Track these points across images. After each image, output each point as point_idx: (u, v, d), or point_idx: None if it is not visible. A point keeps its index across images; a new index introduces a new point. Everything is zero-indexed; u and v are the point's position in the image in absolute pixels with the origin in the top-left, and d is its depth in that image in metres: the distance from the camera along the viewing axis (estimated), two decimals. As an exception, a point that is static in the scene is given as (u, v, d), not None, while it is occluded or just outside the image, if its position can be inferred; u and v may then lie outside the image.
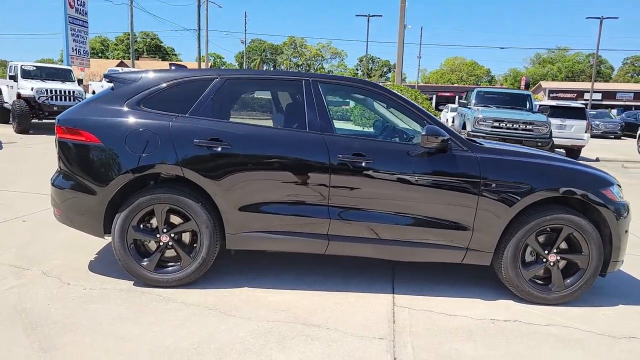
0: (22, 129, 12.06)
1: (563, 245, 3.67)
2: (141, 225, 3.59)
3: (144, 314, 3.13)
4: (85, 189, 3.52)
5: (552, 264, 3.62)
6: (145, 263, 3.54)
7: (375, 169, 3.51)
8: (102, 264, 3.94)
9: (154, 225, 3.61)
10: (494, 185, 3.52)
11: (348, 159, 3.51)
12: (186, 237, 3.66)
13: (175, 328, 2.98)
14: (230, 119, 3.77)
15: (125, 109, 3.58)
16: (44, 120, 12.90)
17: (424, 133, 3.49)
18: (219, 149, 3.47)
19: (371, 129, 4.33)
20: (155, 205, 3.49)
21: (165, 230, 3.54)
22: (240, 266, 4.02)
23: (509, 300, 3.65)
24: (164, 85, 3.66)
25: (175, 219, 3.62)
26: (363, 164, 3.51)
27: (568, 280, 3.65)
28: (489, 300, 3.66)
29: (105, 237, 3.61)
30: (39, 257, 4.01)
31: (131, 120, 3.53)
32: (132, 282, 3.61)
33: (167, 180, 3.66)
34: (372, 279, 3.92)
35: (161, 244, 3.56)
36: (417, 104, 3.84)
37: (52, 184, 3.69)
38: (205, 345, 2.80)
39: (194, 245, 3.59)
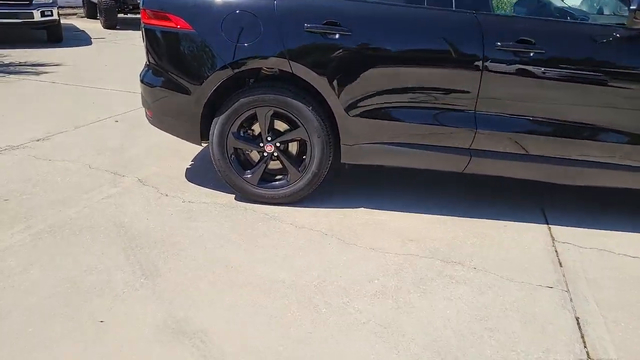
0: (110, 24, 11.86)
1: None
2: (242, 132, 3.05)
3: (251, 238, 2.68)
4: (178, 87, 2.97)
5: None
6: (248, 175, 3.05)
7: (546, 62, 2.60)
8: (198, 173, 3.53)
9: (257, 133, 3.05)
10: None
11: (510, 48, 2.61)
12: (293, 148, 3.08)
13: (288, 257, 2.51)
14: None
15: (216, -13, 2.87)
16: (129, 15, 12.61)
17: (634, 7, 2.47)
18: (337, 36, 2.71)
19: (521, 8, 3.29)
20: (258, 108, 2.90)
21: (269, 139, 2.98)
22: (349, 184, 3.42)
23: None
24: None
25: (281, 126, 3.02)
26: (531, 56, 2.60)
27: None
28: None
29: (202, 144, 3.12)
30: (134, 162, 3.67)
31: (224, 0, 2.83)
32: (233, 195, 3.17)
33: (272, 78, 3.01)
34: (514, 206, 3.18)
35: (265, 154, 3.02)
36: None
37: (142, 81, 3.19)
38: (327, 283, 2.31)
39: (303, 157, 3.01)
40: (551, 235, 2.81)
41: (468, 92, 2.70)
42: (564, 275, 2.41)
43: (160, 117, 3.17)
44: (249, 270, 2.40)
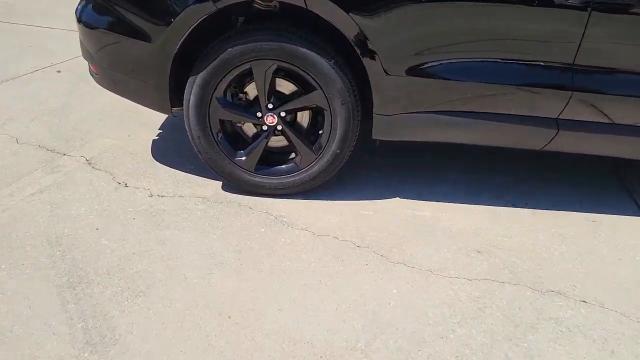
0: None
1: None
2: (231, 97, 2.13)
3: (253, 258, 1.84)
4: (133, 31, 1.99)
5: None
6: (241, 158, 2.16)
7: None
8: (170, 149, 2.61)
9: (252, 97, 2.13)
10: None
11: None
12: (304, 119, 2.19)
13: (311, 295, 1.69)
14: None
15: None
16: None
17: None
18: (376, -51, 1.75)
19: None
20: (255, 62, 1.96)
21: (271, 107, 2.07)
22: (371, 165, 2.57)
23: None
24: None
25: (286, 88, 2.11)
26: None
27: None
28: None
29: (173, 113, 2.19)
30: (80, 132, 2.71)
31: None
32: (220, 183, 2.30)
33: (271, 17, 2.05)
34: (590, 187, 2.41)
35: (265, 128, 2.13)
36: None
37: (79, 20, 2.19)
38: (379, 343, 1.52)
39: (320, 132, 2.12)
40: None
41: (566, 36, 1.82)
42: None
43: (110, 75, 2.19)
44: (256, 322, 1.58)
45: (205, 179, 2.35)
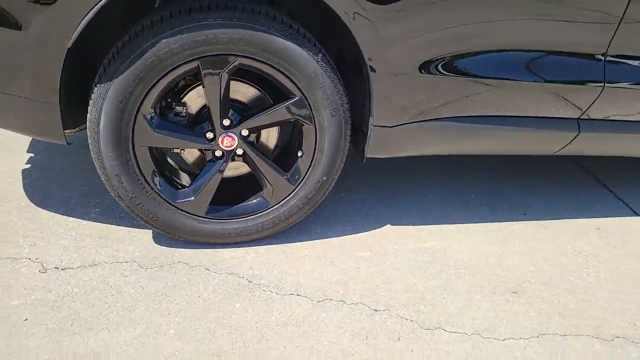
0: None
1: None
2: (162, 113, 1.42)
3: None
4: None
5: None
6: (187, 199, 1.47)
7: None
8: (49, 182, 1.80)
9: (196, 110, 1.45)
10: None
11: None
12: (270, 136, 1.57)
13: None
14: None
15: None
16: None
17: None
18: None
19: None
20: (206, 59, 1.28)
21: (227, 123, 1.42)
22: (335, 190, 2.04)
23: None
24: None
25: (243, 93, 1.48)
26: None
27: None
28: None
29: (67, 139, 1.41)
30: None
31: None
32: (148, 232, 1.60)
33: None
34: (576, 191, 2.20)
35: (219, 153, 1.47)
36: None
37: None
38: None
39: (297, 153, 1.52)
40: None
41: (601, 22, 1.47)
42: None
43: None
44: None
45: (123, 227, 1.62)
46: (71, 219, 1.64)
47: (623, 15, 1.46)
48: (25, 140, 2.06)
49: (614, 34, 1.50)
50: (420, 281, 1.54)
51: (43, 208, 1.68)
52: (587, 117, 1.67)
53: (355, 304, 1.43)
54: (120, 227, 1.62)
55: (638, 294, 1.59)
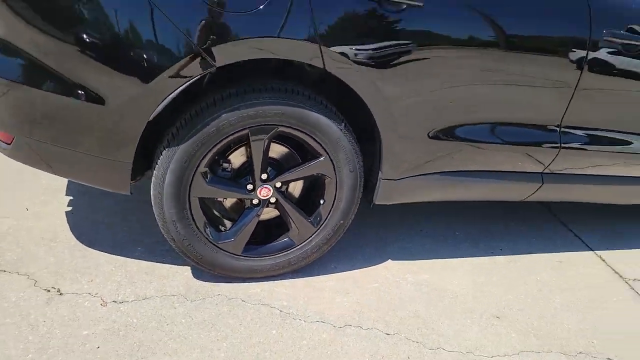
0: None
1: None
2: (214, 167, 1.70)
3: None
4: (80, 93, 1.44)
5: None
6: (228, 241, 1.74)
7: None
8: (95, 224, 2.03)
9: (238, 166, 1.74)
10: None
11: (620, 38, 1.83)
12: (296, 187, 1.88)
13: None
14: None
15: None
16: None
17: None
18: (403, 7, 1.55)
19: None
20: (255, 128, 1.59)
21: (265, 177, 1.71)
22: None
23: None
24: None
25: (277, 152, 1.78)
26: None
27: None
28: None
29: (131, 190, 1.66)
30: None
31: None
32: (187, 268, 1.85)
33: (267, 74, 1.68)
34: (536, 230, 2.58)
35: (256, 201, 1.76)
36: None
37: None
38: None
39: (320, 201, 1.83)
40: (613, 270, 2.28)
41: (559, 96, 1.87)
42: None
43: (36, 147, 1.56)
44: None
45: (165, 264, 1.86)
46: (119, 257, 1.87)
47: (569, 104, 1.87)
48: (62, 183, 2.28)
49: (564, 113, 1.90)
50: (422, 308, 1.84)
51: (91, 247, 1.90)
52: (549, 171, 2.06)
53: (370, 329, 1.72)
54: (163, 264, 1.87)
55: (594, 318, 1.95)
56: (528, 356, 1.71)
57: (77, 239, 1.94)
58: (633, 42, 1.84)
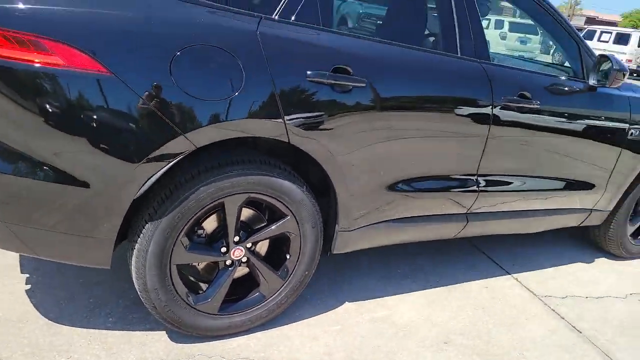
0: None
1: None
2: (194, 237, 1.84)
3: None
4: (71, 179, 1.54)
5: None
6: (205, 302, 1.87)
7: (540, 116, 2.39)
8: (59, 299, 2.04)
9: (211, 231, 1.90)
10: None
11: (515, 102, 2.30)
12: (263, 245, 2.06)
13: None
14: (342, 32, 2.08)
15: (154, -3, 1.60)
16: None
17: (617, 68, 2.47)
18: (350, 88, 1.85)
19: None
20: (228, 197, 1.77)
21: (237, 239, 1.88)
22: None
23: (609, 260, 3.20)
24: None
25: (245, 215, 1.96)
26: (531, 109, 2.34)
27: None
28: (602, 267, 3.13)
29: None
30: None
31: (178, 21, 1.59)
32: (162, 332, 1.93)
33: (237, 147, 1.88)
34: (460, 261, 2.98)
35: (229, 262, 1.92)
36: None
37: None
38: None
39: (286, 255, 2.03)
40: (528, 289, 2.70)
41: (474, 150, 2.27)
42: (584, 338, 2.32)
43: (17, 231, 1.60)
44: None
45: (139, 331, 1.93)
46: (91, 329, 1.90)
47: (481, 157, 2.29)
48: (13, 260, 2.25)
49: (479, 164, 2.31)
50: (382, 343, 2.08)
51: (61, 323, 1.92)
52: (471, 212, 2.44)
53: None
54: (136, 331, 1.93)
55: (520, 333, 2.31)
56: (475, 373, 2.01)
57: (45, 316, 1.94)
58: (522, 105, 2.31)
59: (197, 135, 1.60)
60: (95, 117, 1.50)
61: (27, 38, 1.40)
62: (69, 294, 2.10)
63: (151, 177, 1.60)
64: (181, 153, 1.61)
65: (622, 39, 17.79)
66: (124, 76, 1.49)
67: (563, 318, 2.48)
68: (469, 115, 2.18)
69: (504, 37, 15.55)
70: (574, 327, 2.42)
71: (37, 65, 1.43)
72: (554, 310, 2.53)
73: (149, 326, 1.96)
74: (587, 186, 2.76)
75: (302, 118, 1.77)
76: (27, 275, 2.18)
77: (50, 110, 1.47)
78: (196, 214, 1.73)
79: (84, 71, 1.46)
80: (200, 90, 1.58)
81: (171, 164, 1.61)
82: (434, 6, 2.22)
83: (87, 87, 1.47)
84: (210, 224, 1.89)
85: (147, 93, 1.52)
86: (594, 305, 2.65)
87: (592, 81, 2.57)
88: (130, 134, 1.54)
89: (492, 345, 2.19)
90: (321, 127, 1.81)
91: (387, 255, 2.81)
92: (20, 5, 1.42)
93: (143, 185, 1.60)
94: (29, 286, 2.11)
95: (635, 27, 57.25)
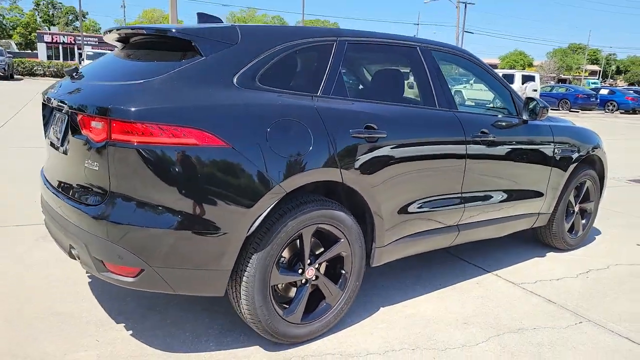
0: None
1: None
2: (279, 263, 2.39)
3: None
4: (204, 226, 2.07)
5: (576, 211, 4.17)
6: (292, 314, 2.40)
7: (496, 146, 3.24)
8: (175, 335, 2.46)
9: (289, 257, 2.46)
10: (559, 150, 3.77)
11: (479, 137, 3.13)
12: (322, 266, 2.64)
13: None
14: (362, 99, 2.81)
15: (240, 87, 2.23)
16: None
17: (542, 106, 3.42)
18: (377, 139, 2.56)
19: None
20: (306, 228, 2.37)
21: (309, 262, 2.46)
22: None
23: (557, 252, 4.07)
24: (279, 49, 2.40)
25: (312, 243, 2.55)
26: (490, 141, 3.19)
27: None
28: (556, 257, 3.99)
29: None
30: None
31: (263, 105, 2.23)
32: (255, 346, 2.41)
33: (309, 191, 2.50)
34: (443, 267, 3.72)
35: (303, 280, 2.47)
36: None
37: (112, 221, 2.02)
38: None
39: (342, 271, 2.62)
40: (508, 280, 3.46)
41: (457, 176, 3.05)
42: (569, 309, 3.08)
43: (165, 273, 2.07)
44: None
45: (239, 349, 2.40)
46: (200, 354, 2.34)
47: (463, 180, 3.07)
48: (103, 314, 2.62)
49: (462, 185, 3.09)
50: (420, 330, 2.69)
51: (178, 352, 2.34)
52: (461, 223, 3.19)
53: (415, 349, 2.50)
54: (236, 349, 2.39)
55: (514, 309, 3.02)
56: (490, 332, 2.67)
57: (160, 350, 2.35)
58: (484, 139, 3.15)
59: (287, 183, 2.21)
60: (222, 177, 2.07)
61: (171, 127, 1.98)
62: (166, 332, 2.51)
63: (258, 217, 2.17)
64: (277, 197, 2.20)
65: (508, 79, 20.69)
66: (238, 146, 2.09)
67: (539, 296, 3.24)
68: (452, 149, 2.97)
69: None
70: (549, 300, 3.18)
71: (177, 145, 2.00)
72: (531, 292, 3.29)
73: (243, 344, 2.43)
74: (538, 194, 3.64)
75: (350, 163, 2.44)
76: (123, 324, 2.56)
77: (191, 176, 2.03)
78: (286, 242, 2.30)
79: (211, 146, 2.04)
80: (287, 150, 2.21)
81: (272, 205, 2.20)
82: (415, 76, 3.05)
83: (214, 157, 2.05)
84: (288, 252, 2.45)
85: (253, 156, 2.12)
86: (557, 284, 3.45)
87: (525, 116, 3.49)
88: (246, 187, 2.12)
89: (499, 320, 2.87)
90: (361, 168, 2.49)
91: (394, 271, 3.45)
92: (164, 105, 2.00)
93: (253, 224, 2.16)
94: (130, 332, 2.50)
95: (512, 67, 64.97)
